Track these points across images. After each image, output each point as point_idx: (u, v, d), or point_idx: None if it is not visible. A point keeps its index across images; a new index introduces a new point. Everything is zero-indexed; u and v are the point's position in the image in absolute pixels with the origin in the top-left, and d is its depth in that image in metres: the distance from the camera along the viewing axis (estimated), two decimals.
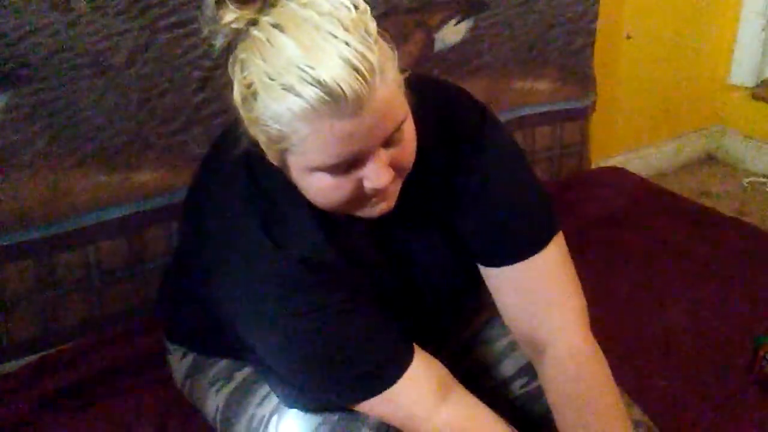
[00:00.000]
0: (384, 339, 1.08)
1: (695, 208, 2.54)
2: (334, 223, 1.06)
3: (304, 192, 1.01)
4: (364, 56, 0.87)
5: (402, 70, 0.96)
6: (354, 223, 1.08)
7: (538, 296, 1.17)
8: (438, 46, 2.10)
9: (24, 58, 1.52)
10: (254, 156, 1.01)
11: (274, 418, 1.16)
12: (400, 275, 1.19)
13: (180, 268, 1.30)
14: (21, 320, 1.69)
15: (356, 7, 0.91)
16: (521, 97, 2.33)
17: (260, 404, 1.19)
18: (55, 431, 1.54)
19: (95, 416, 1.57)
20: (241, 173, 1.05)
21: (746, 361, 1.76)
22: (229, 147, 1.05)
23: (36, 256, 1.66)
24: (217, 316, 1.11)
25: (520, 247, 1.15)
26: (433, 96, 1.14)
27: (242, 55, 0.93)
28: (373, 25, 0.91)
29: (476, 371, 1.33)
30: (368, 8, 0.93)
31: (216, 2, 0.92)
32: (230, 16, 0.92)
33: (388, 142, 0.95)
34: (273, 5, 0.92)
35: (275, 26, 0.90)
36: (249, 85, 0.92)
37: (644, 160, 2.95)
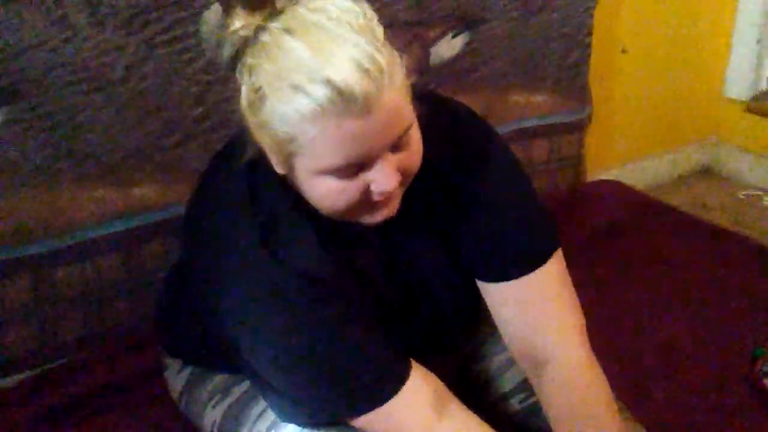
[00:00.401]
0: (381, 354, 1.08)
1: (692, 220, 2.55)
2: (336, 236, 1.06)
3: (308, 197, 1.01)
4: (373, 58, 0.88)
5: (408, 77, 0.96)
6: (356, 236, 1.08)
7: (539, 311, 1.17)
8: (434, 60, 2.10)
9: (22, 74, 1.53)
10: (256, 168, 1.02)
11: None
12: (402, 289, 1.19)
13: (179, 280, 1.30)
14: (18, 335, 1.68)
15: (364, 14, 0.92)
16: (518, 110, 2.34)
17: (257, 420, 1.18)
18: None
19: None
20: (241, 186, 1.05)
21: (744, 373, 1.76)
22: (230, 160, 1.06)
23: (34, 270, 1.66)
24: (213, 329, 1.11)
25: (521, 262, 1.16)
26: (441, 111, 1.15)
27: (250, 61, 0.93)
28: (380, 31, 0.93)
29: (475, 387, 1.33)
30: (375, 15, 0.94)
31: (224, 10, 0.93)
32: (238, 23, 0.93)
33: (395, 146, 0.95)
34: (282, 12, 0.93)
35: (284, 31, 0.91)
36: (257, 90, 0.92)
37: (640, 172, 2.96)
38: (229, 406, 1.23)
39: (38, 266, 1.66)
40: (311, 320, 1.03)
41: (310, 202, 1.01)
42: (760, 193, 2.98)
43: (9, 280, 1.64)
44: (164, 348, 1.38)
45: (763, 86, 3.03)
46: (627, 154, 2.93)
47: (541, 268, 1.16)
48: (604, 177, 2.77)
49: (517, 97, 2.35)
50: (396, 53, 0.94)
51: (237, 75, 0.96)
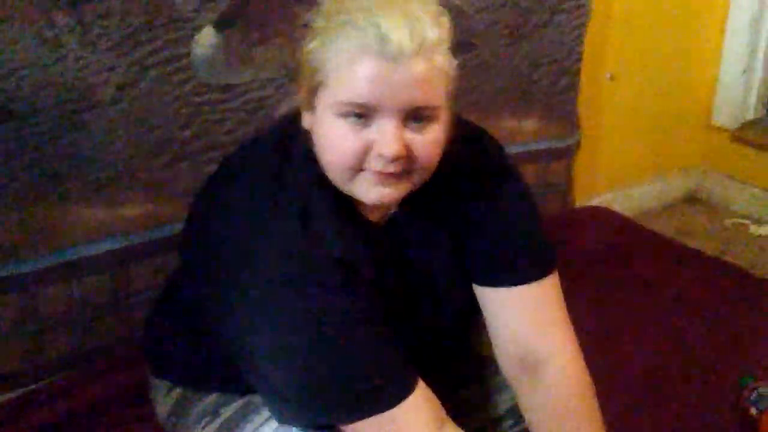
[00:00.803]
0: (393, 358, 1.08)
1: (678, 247, 2.56)
2: (364, 230, 1.12)
3: (320, 152, 1.05)
4: (422, 25, 0.97)
5: (450, 69, 1.04)
6: (371, 231, 1.12)
7: (540, 318, 1.22)
8: None
9: (12, 93, 1.53)
10: (290, 152, 1.09)
11: None
12: (416, 292, 1.21)
13: (172, 296, 1.30)
14: (4, 354, 1.67)
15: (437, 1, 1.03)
16: (507, 135, 2.35)
17: None
18: None
19: None
20: (275, 170, 1.09)
21: (731, 401, 1.77)
22: (259, 149, 1.15)
23: (20, 290, 1.65)
24: (211, 339, 1.12)
25: (529, 270, 1.21)
26: (464, 129, 1.19)
27: (322, 8, 1.03)
28: (445, 21, 1.02)
29: (467, 408, 1.33)
30: (445, 11, 1.04)
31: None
32: None
33: (409, 116, 1.00)
34: None
35: None
36: (315, 26, 1.02)
37: (627, 199, 2.97)
38: (220, 427, 1.22)
39: (25, 285, 1.65)
40: (338, 309, 1.04)
41: (321, 160, 1.05)
42: (746, 221, 3.00)
43: None
44: (152, 369, 1.37)
45: (749, 115, 3.06)
46: (614, 180, 2.94)
47: (543, 279, 1.22)
48: (591, 203, 2.78)
49: (506, 123, 2.36)
50: (447, 42, 1.02)
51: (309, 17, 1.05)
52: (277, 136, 1.14)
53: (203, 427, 1.24)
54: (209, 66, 1.74)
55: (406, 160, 1.01)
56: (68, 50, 1.56)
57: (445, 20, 1.02)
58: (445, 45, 1.02)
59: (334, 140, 1.02)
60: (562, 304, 1.24)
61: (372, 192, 1.04)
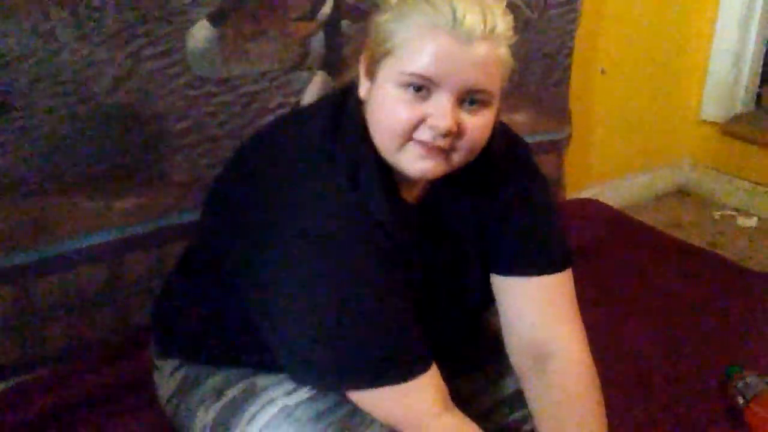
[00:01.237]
0: (414, 333, 1.11)
1: (667, 239, 2.58)
2: (401, 205, 1.16)
3: (372, 121, 1.09)
4: (493, 15, 1.03)
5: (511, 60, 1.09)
6: (415, 212, 1.17)
7: (553, 311, 1.27)
8: None
9: (8, 86, 1.53)
10: (340, 114, 1.13)
11: None
12: (444, 272, 1.25)
13: (191, 265, 1.32)
14: (1, 345, 1.67)
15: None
16: None
17: (250, 422, 1.19)
18: None
19: None
20: (326, 137, 1.12)
21: (718, 392, 1.79)
22: (305, 114, 1.23)
23: (16, 281, 1.65)
24: (226, 310, 1.17)
25: (546, 262, 1.26)
26: (509, 132, 1.30)
27: None
28: (510, 18, 1.07)
29: (461, 398, 1.35)
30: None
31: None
32: None
33: (465, 97, 1.05)
34: None
35: None
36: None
37: (617, 192, 2.99)
38: (222, 409, 1.23)
39: (21, 277, 1.66)
40: (378, 276, 1.08)
41: (372, 127, 1.09)
42: (734, 213, 3.03)
43: None
44: (159, 348, 1.38)
45: (738, 109, 3.08)
46: (605, 173, 2.96)
47: (561, 273, 1.27)
48: (582, 196, 2.80)
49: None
50: (512, 36, 1.07)
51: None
52: (327, 108, 1.17)
53: (206, 409, 1.25)
54: (203, 59, 1.74)
55: (454, 137, 1.05)
56: (63, 44, 1.56)
57: (511, 19, 1.07)
58: (510, 40, 1.07)
59: (391, 108, 1.06)
60: (575, 301, 1.29)
61: (417, 164, 1.07)
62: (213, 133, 1.80)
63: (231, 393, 1.24)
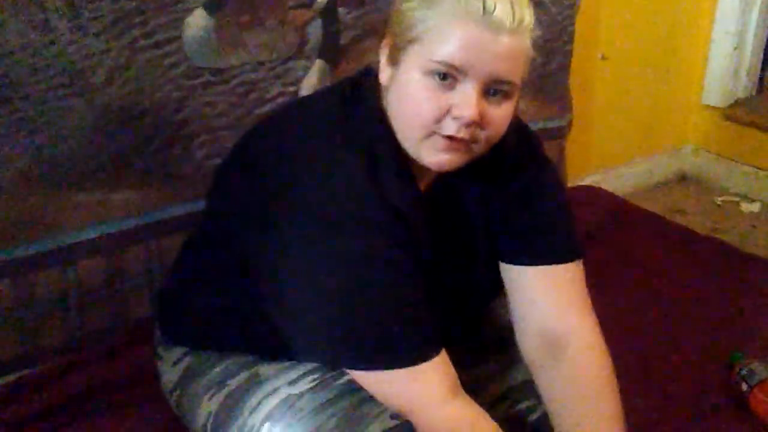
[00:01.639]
0: (426, 317, 1.11)
1: (669, 226, 2.57)
2: (418, 194, 1.17)
3: (394, 109, 1.10)
4: (521, 8, 1.04)
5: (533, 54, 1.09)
6: (428, 197, 1.18)
7: (564, 300, 1.27)
8: None
9: (3, 78, 1.52)
10: (358, 102, 1.13)
11: (266, 425, 1.16)
12: (454, 258, 1.26)
13: (197, 251, 1.32)
14: (0, 340, 1.67)
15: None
16: None
17: (253, 412, 1.19)
18: None
19: None
20: (345, 114, 1.13)
21: (722, 378, 1.78)
22: (321, 98, 1.22)
23: (15, 275, 1.65)
24: (233, 294, 1.17)
25: (558, 252, 1.28)
26: (522, 126, 1.31)
27: None
28: (533, 8, 1.08)
29: (467, 388, 1.35)
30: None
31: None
32: None
33: (490, 88, 1.05)
34: None
35: None
36: None
37: (619, 178, 2.98)
38: (225, 399, 1.23)
39: (19, 271, 1.65)
40: (392, 257, 1.08)
41: (394, 115, 1.10)
42: (736, 199, 3.02)
43: None
44: (163, 337, 1.37)
45: (740, 94, 3.07)
46: (606, 160, 2.95)
47: (573, 262, 1.28)
48: (583, 183, 2.79)
49: None
50: (536, 29, 1.08)
51: None
52: (337, 94, 1.17)
53: (209, 398, 1.25)
54: (200, 49, 1.73)
55: (476, 127, 1.06)
56: (59, 34, 1.55)
57: (533, 12, 1.08)
58: (533, 33, 1.08)
59: (416, 97, 1.06)
60: (586, 292, 1.30)
61: (438, 156, 1.08)
62: (211, 124, 1.79)
63: (234, 383, 1.24)
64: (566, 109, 2.54)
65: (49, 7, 1.53)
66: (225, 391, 1.24)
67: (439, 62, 1.03)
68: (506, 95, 1.08)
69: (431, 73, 1.04)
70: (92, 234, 1.71)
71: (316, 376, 1.17)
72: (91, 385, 1.66)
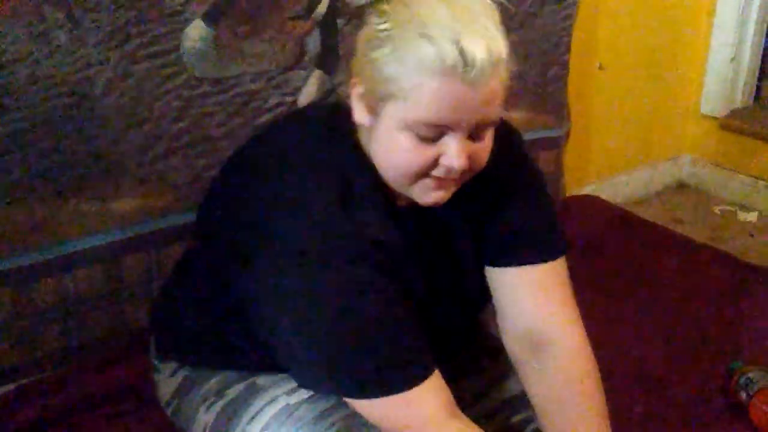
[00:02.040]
0: (415, 341, 1.10)
1: (668, 235, 2.58)
2: (395, 211, 1.14)
3: (379, 154, 1.07)
4: (498, 43, 0.99)
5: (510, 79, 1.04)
6: (409, 216, 1.15)
7: (548, 300, 1.26)
8: None
9: (2, 88, 1.53)
10: (332, 131, 1.11)
11: None
12: (440, 275, 1.24)
13: (190, 268, 1.31)
14: None
15: (497, 7, 1.04)
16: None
17: (251, 421, 1.19)
18: None
19: None
20: (317, 145, 1.12)
21: (721, 387, 1.78)
22: (296, 124, 1.20)
23: (13, 284, 1.65)
24: (225, 313, 1.15)
25: (539, 251, 1.25)
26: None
27: (385, 7, 1.01)
28: (502, 29, 1.02)
29: (462, 401, 1.35)
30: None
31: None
32: None
33: (475, 134, 1.04)
34: None
35: None
36: (383, 30, 1.00)
37: (617, 188, 2.98)
38: (223, 408, 1.23)
39: (18, 279, 1.65)
40: (370, 286, 1.06)
41: (378, 159, 1.08)
42: (734, 208, 3.02)
43: None
44: (158, 351, 1.37)
45: (737, 104, 3.07)
46: (604, 169, 2.95)
47: (555, 260, 1.26)
48: (581, 192, 2.79)
49: None
50: (510, 53, 1.02)
51: (364, 18, 1.05)
52: (318, 122, 1.16)
53: (207, 409, 1.25)
54: (199, 59, 1.74)
55: (469, 164, 1.04)
56: (58, 45, 1.56)
57: (499, 20, 1.03)
58: (508, 64, 1.02)
59: (401, 153, 1.04)
60: (570, 290, 1.28)
61: (429, 196, 1.08)
62: (210, 134, 1.79)
63: (231, 392, 1.24)
64: (564, 118, 2.54)
65: (49, 17, 1.54)
66: (223, 401, 1.24)
67: (424, 124, 1.00)
68: (489, 126, 1.06)
69: (414, 130, 1.01)
70: (91, 243, 1.72)
71: None
72: (89, 394, 1.66)
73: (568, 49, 2.44)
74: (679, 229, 2.72)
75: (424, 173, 1.05)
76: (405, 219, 1.16)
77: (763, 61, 3.06)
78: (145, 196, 1.76)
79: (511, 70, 1.03)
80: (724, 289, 2.21)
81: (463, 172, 1.05)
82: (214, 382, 1.27)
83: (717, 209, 3.03)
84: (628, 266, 2.33)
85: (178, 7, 1.67)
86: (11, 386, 1.68)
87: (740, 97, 3.06)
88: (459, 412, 1.12)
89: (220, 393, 1.25)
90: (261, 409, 1.19)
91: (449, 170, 1.03)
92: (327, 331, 1.05)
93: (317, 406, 1.16)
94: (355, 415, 1.13)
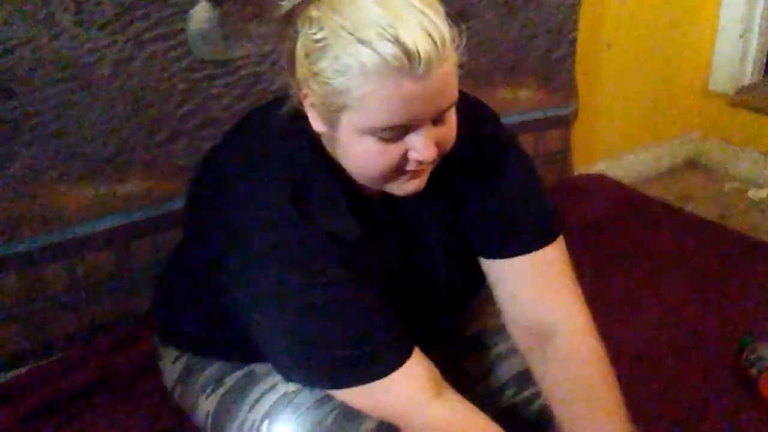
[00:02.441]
0: (387, 325, 1.09)
1: (677, 213, 2.57)
2: (360, 203, 1.11)
3: (344, 159, 1.05)
4: (439, 28, 0.93)
5: (460, 56, 1.00)
6: (372, 207, 1.13)
7: (547, 287, 1.23)
8: None
9: (9, 72, 1.53)
10: (289, 131, 1.07)
11: (266, 422, 1.17)
12: (412, 264, 1.22)
13: (179, 260, 1.32)
14: (8, 333, 1.68)
15: None
16: (504, 105, 2.34)
17: (251, 409, 1.19)
18: None
19: (84, 428, 1.57)
20: (272, 145, 1.09)
21: (731, 363, 1.78)
22: (258, 122, 1.13)
23: (22, 268, 1.66)
24: (217, 302, 1.14)
25: (530, 239, 1.21)
26: (468, 102, 1.19)
27: (314, 13, 0.96)
28: (442, 8, 0.97)
29: (468, 379, 1.34)
30: None
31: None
32: None
33: (437, 119, 1.00)
34: None
35: None
36: (318, 41, 0.95)
37: (626, 166, 2.97)
38: (223, 396, 1.24)
39: (26, 263, 1.66)
40: (331, 279, 1.05)
41: (345, 164, 1.05)
42: (745, 185, 3.01)
43: None
44: (160, 337, 1.38)
45: (747, 80, 3.05)
46: (613, 147, 2.94)
47: (549, 246, 1.22)
48: (590, 171, 2.78)
49: (503, 93, 2.35)
50: (454, 30, 0.97)
51: (293, 28, 0.99)
52: (283, 116, 1.11)
53: (207, 396, 1.26)
54: (204, 41, 1.73)
55: (437, 150, 1.02)
56: (63, 29, 1.56)
57: (444, 13, 0.97)
58: (454, 38, 0.97)
59: (367, 157, 1.01)
60: (569, 272, 1.24)
61: (405, 187, 1.06)
62: (216, 116, 1.79)
63: (230, 380, 1.25)
64: (572, 97, 2.53)
65: (53, 1, 1.53)
66: (222, 388, 1.25)
67: (383, 128, 0.97)
68: (451, 107, 1.02)
69: (376, 134, 0.98)
70: (98, 227, 1.72)
71: None
72: (98, 377, 1.67)
73: (575, 28, 2.42)
74: (688, 208, 2.71)
75: (395, 171, 1.02)
76: (371, 210, 1.14)
77: None
78: (152, 179, 1.76)
79: (459, 46, 0.98)
80: (735, 267, 2.20)
81: (434, 159, 1.03)
82: (213, 369, 1.28)
83: (727, 187, 3.02)
84: (636, 245, 2.33)
85: None
86: (22, 370, 1.69)
87: (750, 74, 3.04)
88: (447, 390, 1.11)
89: (219, 381, 1.26)
90: (261, 397, 1.20)
91: (420, 163, 1.01)
92: (293, 328, 1.06)
93: (316, 392, 1.16)
94: None
